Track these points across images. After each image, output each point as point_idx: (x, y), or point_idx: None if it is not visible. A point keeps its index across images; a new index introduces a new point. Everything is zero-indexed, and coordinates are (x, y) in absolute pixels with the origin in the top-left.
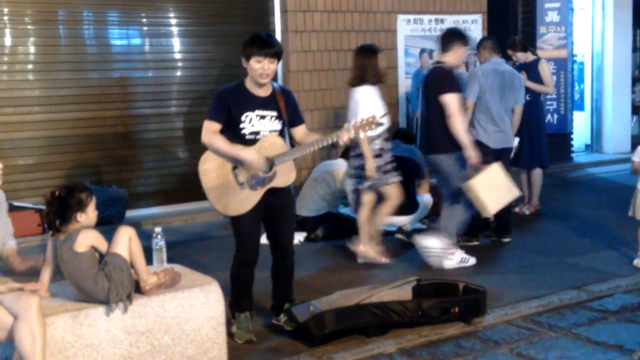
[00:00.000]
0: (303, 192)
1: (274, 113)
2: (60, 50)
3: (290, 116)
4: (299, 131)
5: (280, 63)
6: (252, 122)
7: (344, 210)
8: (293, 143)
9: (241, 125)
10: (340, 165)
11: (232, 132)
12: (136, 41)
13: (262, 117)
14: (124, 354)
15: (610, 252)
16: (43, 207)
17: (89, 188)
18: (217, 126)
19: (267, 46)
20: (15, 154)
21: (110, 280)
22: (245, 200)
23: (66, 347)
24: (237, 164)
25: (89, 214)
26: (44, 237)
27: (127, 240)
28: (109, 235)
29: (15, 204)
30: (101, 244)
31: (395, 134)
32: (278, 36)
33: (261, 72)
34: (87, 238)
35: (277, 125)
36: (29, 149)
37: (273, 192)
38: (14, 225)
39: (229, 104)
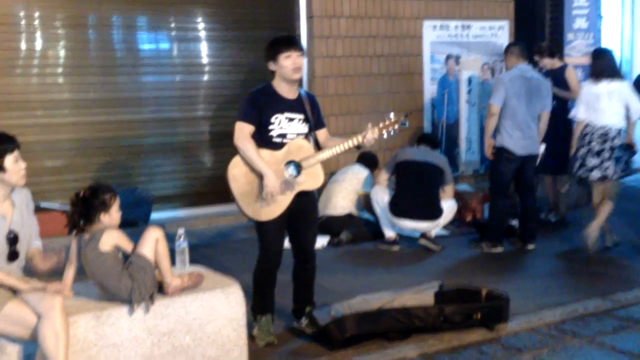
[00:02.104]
0: (326, 193)
1: (301, 116)
2: (90, 54)
3: (316, 119)
4: (322, 134)
5: (306, 68)
6: (281, 124)
7: (366, 215)
8: (319, 146)
9: (270, 127)
10: (361, 170)
11: (260, 134)
12: (164, 46)
13: (291, 119)
14: (146, 354)
15: (636, 261)
16: None
17: (113, 189)
18: (250, 128)
19: (292, 41)
20: (44, 156)
21: (133, 280)
22: (276, 206)
23: (89, 346)
24: None
25: (112, 215)
26: (70, 239)
27: (154, 242)
28: (134, 237)
29: (43, 205)
30: (125, 243)
31: (421, 138)
32: (304, 41)
33: (293, 66)
34: (111, 238)
35: (304, 128)
36: (57, 151)
37: (298, 196)
38: (40, 227)
39: (261, 105)
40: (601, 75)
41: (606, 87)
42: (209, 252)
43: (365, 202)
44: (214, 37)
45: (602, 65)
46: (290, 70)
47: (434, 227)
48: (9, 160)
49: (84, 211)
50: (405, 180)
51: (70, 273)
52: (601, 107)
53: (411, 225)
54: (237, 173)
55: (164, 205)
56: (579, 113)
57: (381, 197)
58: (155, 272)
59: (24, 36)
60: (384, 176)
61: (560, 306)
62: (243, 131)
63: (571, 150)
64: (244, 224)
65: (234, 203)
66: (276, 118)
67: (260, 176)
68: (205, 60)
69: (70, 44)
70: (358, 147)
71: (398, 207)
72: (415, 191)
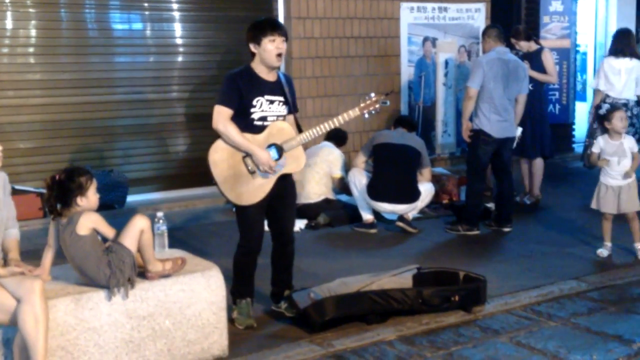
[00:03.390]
0: (299, 180)
1: (281, 98)
2: (62, 34)
3: (292, 102)
4: (291, 119)
5: None
6: (262, 107)
7: (342, 198)
8: (300, 129)
9: (251, 110)
10: (331, 151)
11: (241, 117)
12: (138, 26)
13: (271, 102)
14: (125, 338)
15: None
16: (44, 190)
17: (89, 171)
18: (229, 112)
19: (277, 26)
20: (16, 138)
21: (111, 268)
22: (258, 189)
23: (68, 330)
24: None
25: (90, 198)
26: (45, 221)
27: (139, 232)
28: (110, 220)
29: (17, 187)
30: (104, 227)
31: (398, 121)
32: (280, 22)
33: (277, 52)
34: (88, 221)
35: (284, 110)
36: (29, 133)
37: (279, 180)
38: (15, 209)
39: (241, 88)
40: (622, 53)
41: (626, 63)
42: (185, 235)
43: (340, 184)
44: (189, 17)
45: (625, 43)
46: (273, 56)
47: (412, 210)
48: None
49: (60, 195)
50: (383, 163)
51: (48, 257)
52: (620, 80)
53: (389, 208)
54: (217, 158)
55: (139, 187)
56: (600, 84)
57: (359, 180)
58: (137, 255)
59: None
60: (361, 159)
61: (536, 288)
62: (222, 114)
63: (590, 117)
64: (221, 206)
65: (211, 186)
66: (257, 101)
67: (241, 160)
68: (179, 40)
69: (42, 23)
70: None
71: (376, 191)
72: (392, 174)
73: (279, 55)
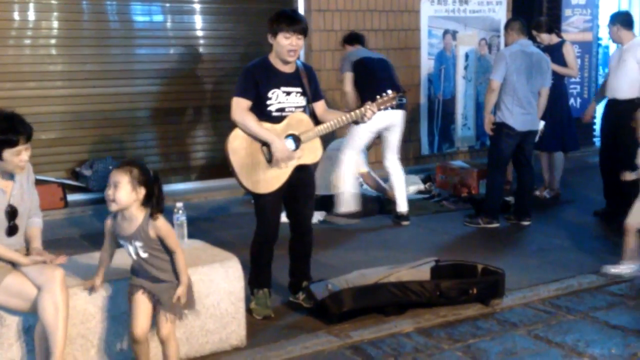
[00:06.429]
0: (319, 172)
1: (299, 89)
2: (84, 26)
3: (313, 91)
4: (319, 107)
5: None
6: (278, 98)
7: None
8: (316, 118)
9: (268, 102)
10: None
11: (259, 109)
12: (159, 18)
13: (288, 93)
14: None
15: None
16: (65, 181)
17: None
18: (247, 103)
19: (295, 22)
20: (37, 129)
21: None
22: (275, 178)
23: (88, 318)
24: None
25: None
26: (66, 211)
27: None
28: None
29: (38, 177)
30: None
31: (352, 39)
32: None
33: (289, 48)
34: None
35: (302, 101)
36: (51, 124)
37: (297, 170)
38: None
39: (257, 80)
40: None
41: None
42: (205, 226)
43: (368, 179)
44: (210, 9)
45: None
46: (285, 52)
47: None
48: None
49: None
50: (368, 73)
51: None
52: None
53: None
54: (237, 146)
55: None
56: None
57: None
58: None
59: (17, 7)
60: (348, 80)
61: (555, 282)
62: (240, 106)
63: None
64: (240, 198)
65: (230, 177)
66: (273, 93)
67: (259, 149)
68: (200, 32)
69: (63, 15)
70: (356, 122)
71: (368, 93)
72: (379, 75)
73: (292, 51)
